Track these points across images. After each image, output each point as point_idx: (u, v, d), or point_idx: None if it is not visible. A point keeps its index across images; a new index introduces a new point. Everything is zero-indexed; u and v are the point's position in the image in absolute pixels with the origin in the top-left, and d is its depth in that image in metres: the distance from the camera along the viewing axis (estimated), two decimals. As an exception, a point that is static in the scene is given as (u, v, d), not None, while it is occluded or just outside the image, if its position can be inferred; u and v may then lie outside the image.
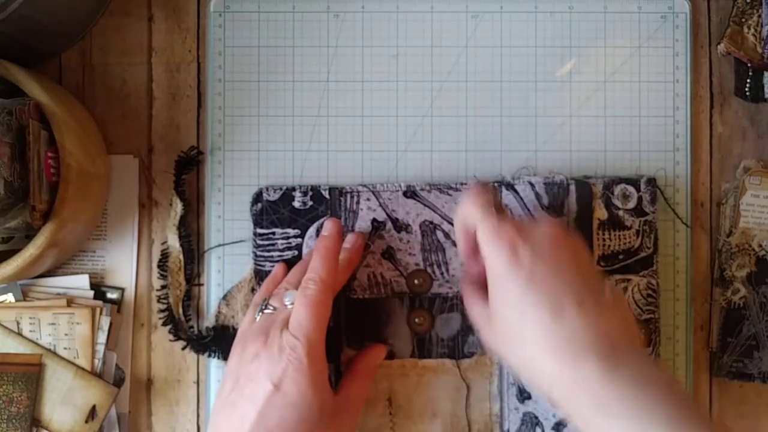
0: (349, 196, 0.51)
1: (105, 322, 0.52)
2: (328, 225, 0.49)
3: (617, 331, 0.40)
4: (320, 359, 0.43)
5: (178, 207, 0.52)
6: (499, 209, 0.43)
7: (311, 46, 0.54)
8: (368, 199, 0.51)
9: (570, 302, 0.39)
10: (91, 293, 0.52)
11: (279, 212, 0.52)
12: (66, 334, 0.51)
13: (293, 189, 0.52)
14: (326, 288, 0.44)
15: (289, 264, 0.51)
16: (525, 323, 0.40)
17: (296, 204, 0.52)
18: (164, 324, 0.53)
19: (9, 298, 0.52)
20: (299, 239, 0.51)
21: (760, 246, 0.53)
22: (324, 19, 0.54)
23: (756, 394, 0.54)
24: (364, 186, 0.52)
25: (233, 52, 0.54)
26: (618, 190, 0.51)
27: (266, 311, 0.46)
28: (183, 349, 0.52)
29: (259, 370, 0.42)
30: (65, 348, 0.51)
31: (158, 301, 0.53)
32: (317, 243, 0.48)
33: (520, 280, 0.40)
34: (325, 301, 0.44)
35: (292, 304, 0.44)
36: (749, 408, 0.54)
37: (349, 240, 0.50)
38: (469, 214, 0.44)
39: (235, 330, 0.52)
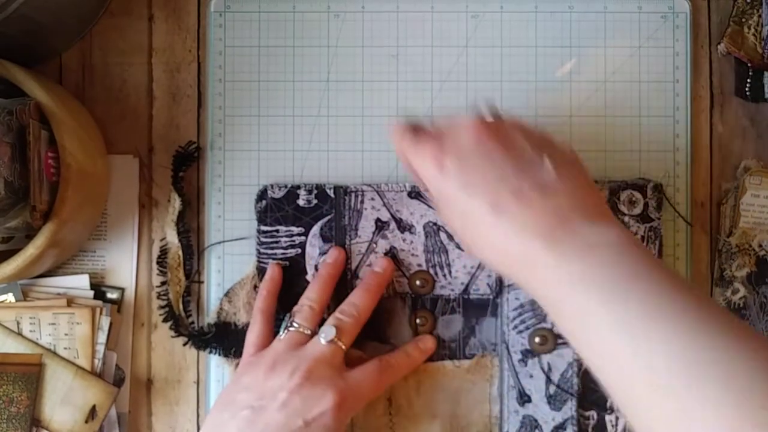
0: (353, 195, 0.51)
1: (105, 322, 0.52)
2: (382, 262, 0.50)
3: (566, 207, 0.38)
4: (350, 417, 0.45)
5: (177, 203, 0.52)
6: (418, 129, 0.43)
7: (311, 46, 0.54)
8: (372, 199, 0.51)
9: (506, 194, 0.38)
10: (91, 293, 0.52)
11: (283, 210, 0.52)
12: (66, 334, 0.51)
13: (298, 187, 0.52)
14: (395, 367, 0.48)
15: (291, 261, 0.51)
16: (467, 224, 0.40)
17: (301, 202, 0.52)
18: (164, 320, 0.52)
19: (9, 298, 0.52)
20: (303, 237, 0.51)
21: (761, 246, 0.52)
22: (324, 19, 0.54)
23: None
24: (369, 186, 0.52)
25: (233, 52, 0.54)
26: (624, 195, 0.51)
27: (291, 329, 0.46)
28: (184, 345, 0.52)
29: (294, 403, 0.42)
30: (65, 348, 0.51)
31: (158, 298, 0.53)
32: (370, 278, 0.49)
33: (452, 188, 0.40)
34: (391, 379, 0.47)
35: (330, 341, 0.45)
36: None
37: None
38: (395, 144, 0.44)
39: (236, 327, 0.52)
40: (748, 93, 0.54)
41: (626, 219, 0.51)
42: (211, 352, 0.52)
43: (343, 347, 0.45)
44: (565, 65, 0.54)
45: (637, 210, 0.51)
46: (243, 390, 0.44)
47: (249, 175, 0.53)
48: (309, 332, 0.46)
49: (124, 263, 0.53)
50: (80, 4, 0.52)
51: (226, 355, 0.52)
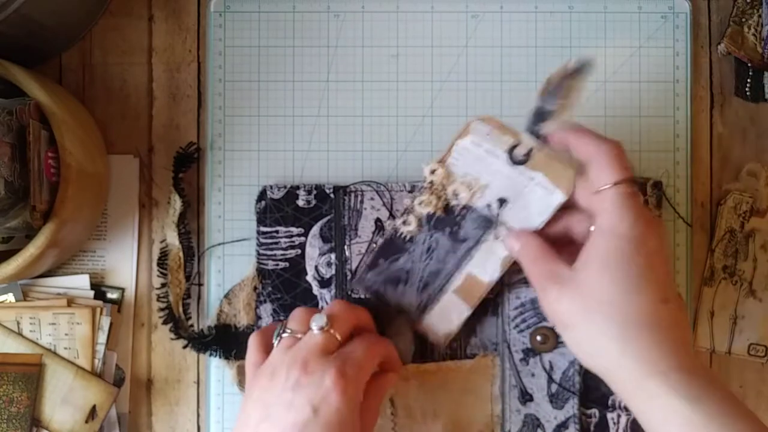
0: (352, 195, 0.51)
1: (105, 322, 0.52)
2: None
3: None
4: (361, 390, 0.43)
5: (177, 204, 0.52)
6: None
7: (311, 46, 0.54)
8: (372, 199, 0.51)
9: (673, 298, 0.41)
10: (92, 293, 0.52)
11: (283, 210, 0.52)
12: (66, 334, 0.51)
13: (297, 187, 0.52)
14: (380, 340, 0.46)
15: (291, 262, 0.51)
16: (633, 300, 0.41)
17: (300, 202, 0.52)
18: (164, 323, 0.52)
19: (9, 298, 0.52)
20: (302, 238, 0.51)
21: (456, 194, 0.48)
22: (324, 19, 0.54)
23: (756, 394, 0.54)
24: (369, 185, 0.52)
25: (233, 52, 0.54)
26: None
27: (284, 335, 0.45)
28: (184, 348, 0.52)
29: (299, 397, 0.41)
30: (65, 348, 0.51)
31: (158, 300, 0.53)
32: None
33: (643, 260, 0.41)
34: (380, 350, 0.45)
35: (321, 329, 0.43)
36: (749, 408, 0.54)
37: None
38: (601, 166, 0.42)
39: (236, 328, 0.52)
40: (748, 93, 0.54)
41: None
42: (211, 354, 0.52)
43: (338, 337, 0.44)
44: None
45: None
46: (253, 407, 0.43)
47: (249, 175, 0.53)
48: (300, 336, 0.44)
49: (124, 263, 0.53)
50: (80, 4, 0.52)
51: (226, 358, 0.52)
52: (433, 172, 0.48)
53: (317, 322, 0.43)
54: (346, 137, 0.54)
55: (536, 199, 0.46)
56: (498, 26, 0.54)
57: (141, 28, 0.54)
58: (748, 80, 0.54)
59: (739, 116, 0.55)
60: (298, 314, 0.46)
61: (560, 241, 0.45)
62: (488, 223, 0.48)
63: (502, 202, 0.47)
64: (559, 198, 0.45)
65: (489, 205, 0.47)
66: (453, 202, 0.48)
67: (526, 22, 0.54)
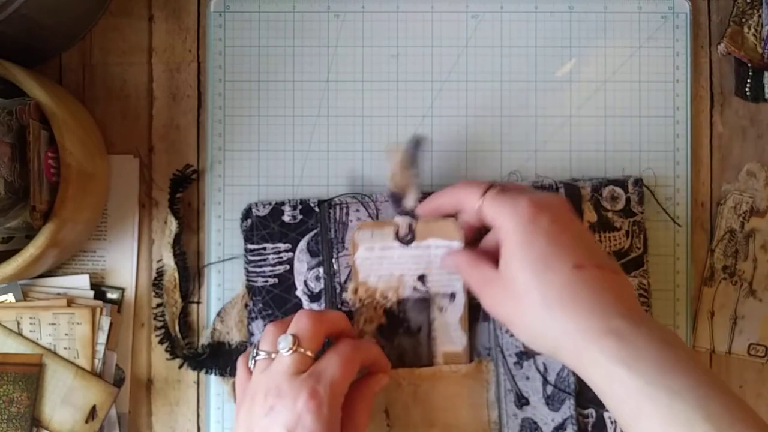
0: (338, 207, 0.51)
1: (105, 322, 0.52)
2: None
3: (631, 296, 0.42)
4: (338, 407, 0.43)
5: (173, 225, 0.52)
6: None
7: (311, 46, 0.54)
8: (357, 210, 0.51)
9: (589, 261, 0.41)
10: (92, 293, 0.52)
11: (269, 227, 0.51)
12: (66, 334, 0.51)
13: (282, 203, 0.52)
14: (358, 348, 0.45)
15: (280, 278, 0.51)
16: (546, 278, 0.41)
17: (286, 218, 0.52)
18: (161, 342, 0.53)
19: (9, 298, 0.52)
20: (290, 253, 0.51)
21: (385, 297, 0.50)
22: (324, 19, 0.54)
23: (756, 394, 0.54)
24: (353, 197, 0.52)
25: (233, 52, 0.54)
26: (606, 192, 0.51)
27: (258, 358, 0.45)
28: (180, 367, 0.53)
29: (275, 423, 0.41)
30: (65, 348, 0.51)
31: (154, 319, 0.53)
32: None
33: (542, 239, 0.41)
34: (357, 358, 0.45)
35: (289, 350, 0.43)
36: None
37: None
38: (466, 196, 0.45)
39: (230, 346, 0.52)
40: (748, 93, 0.54)
41: (610, 215, 0.51)
42: (207, 372, 0.52)
43: (309, 353, 0.43)
44: (565, 65, 0.54)
45: (620, 205, 0.51)
46: (241, 423, 0.44)
47: (249, 175, 0.53)
48: (274, 355, 0.44)
49: (124, 263, 0.53)
50: (80, 4, 0.52)
51: (222, 375, 0.52)
52: (355, 292, 0.50)
53: (283, 344, 0.43)
54: (346, 137, 0.54)
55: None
56: (498, 26, 0.54)
57: (141, 28, 0.54)
58: (748, 80, 0.54)
59: (739, 116, 0.55)
60: (268, 333, 0.45)
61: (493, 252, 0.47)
62: (426, 302, 0.50)
63: (422, 278, 0.50)
64: (458, 245, 0.49)
65: (415, 288, 0.50)
66: (388, 305, 0.51)
67: (526, 22, 0.54)
